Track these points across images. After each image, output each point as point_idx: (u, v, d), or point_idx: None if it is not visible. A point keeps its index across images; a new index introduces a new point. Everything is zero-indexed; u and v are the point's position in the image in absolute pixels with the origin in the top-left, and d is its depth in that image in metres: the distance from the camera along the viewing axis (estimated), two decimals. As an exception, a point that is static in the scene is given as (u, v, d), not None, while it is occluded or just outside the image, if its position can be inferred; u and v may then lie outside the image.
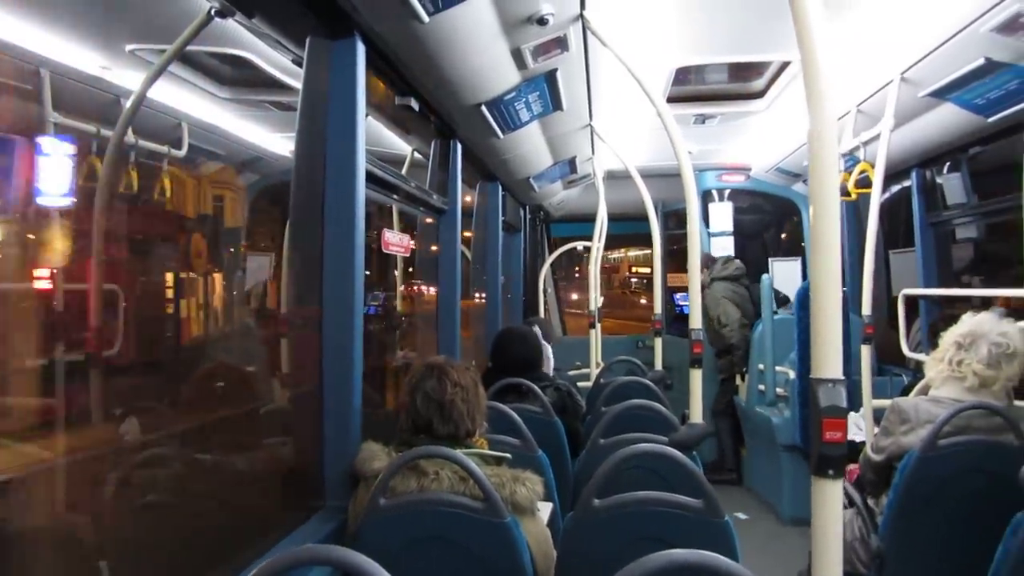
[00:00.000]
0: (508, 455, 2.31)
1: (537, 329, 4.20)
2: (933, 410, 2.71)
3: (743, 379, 6.07)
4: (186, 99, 3.99)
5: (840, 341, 1.45)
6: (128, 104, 3.31)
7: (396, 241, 3.20)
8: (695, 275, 3.29)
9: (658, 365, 4.97)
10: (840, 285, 1.48)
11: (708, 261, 6.43)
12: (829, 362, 1.44)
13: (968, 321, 2.79)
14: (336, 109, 2.29)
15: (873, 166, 4.00)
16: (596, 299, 6.68)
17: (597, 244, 6.40)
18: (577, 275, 11.71)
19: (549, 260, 7.96)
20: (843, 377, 1.44)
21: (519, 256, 6.98)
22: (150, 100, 3.58)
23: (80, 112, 3.49)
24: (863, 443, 3.76)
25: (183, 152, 4.44)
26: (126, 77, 3.39)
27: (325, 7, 2.19)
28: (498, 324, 5.08)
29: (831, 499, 1.45)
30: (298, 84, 2.39)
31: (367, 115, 2.52)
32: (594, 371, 6.22)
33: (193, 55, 3.51)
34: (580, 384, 5.33)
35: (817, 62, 1.49)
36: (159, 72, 2.95)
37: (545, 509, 2.54)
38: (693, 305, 3.31)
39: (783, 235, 7.56)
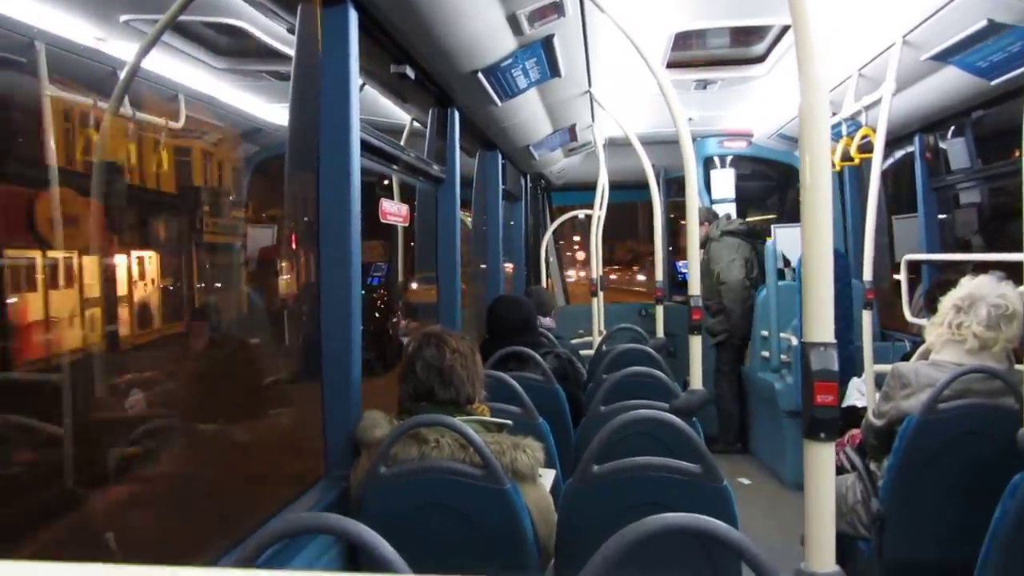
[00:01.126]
0: (509, 422, 2.32)
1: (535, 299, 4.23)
2: (933, 374, 2.71)
3: (746, 346, 6.05)
4: (182, 70, 3.96)
5: (831, 305, 1.44)
6: (123, 75, 3.28)
7: (394, 211, 3.19)
8: (693, 242, 3.28)
9: (660, 333, 4.97)
10: (830, 248, 1.47)
11: (710, 216, 6.31)
12: (821, 326, 1.43)
13: (967, 284, 2.78)
14: (329, 77, 2.27)
15: (875, 131, 3.96)
16: (598, 267, 6.66)
17: (599, 212, 6.38)
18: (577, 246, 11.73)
19: (551, 229, 7.94)
20: (834, 341, 1.43)
21: (520, 225, 6.95)
22: (146, 72, 3.56)
23: (76, 84, 3.47)
24: (865, 408, 3.77)
25: (180, 124, 4.42)
26: (122, 48, 3.37)
27: (315, -28, 2.16)
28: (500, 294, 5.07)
29: (823, 462, 1.45)
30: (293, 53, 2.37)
31: (363, 85, 2.50)
32: (596, 339, 6.23)
33: (187, 25, 3.47)
34: (583, 352, 5.33)
35: (808, 23, 1.47)
36: (152, 42, 2.92)
37: (548, 476, 2.55)
38: (692, 272, 3.31)
39: (786, 201, 7.51)
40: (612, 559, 1.23)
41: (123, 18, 3.04)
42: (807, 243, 1.47)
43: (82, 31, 3.18)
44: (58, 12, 2.97)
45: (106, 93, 3.57)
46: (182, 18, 2.83)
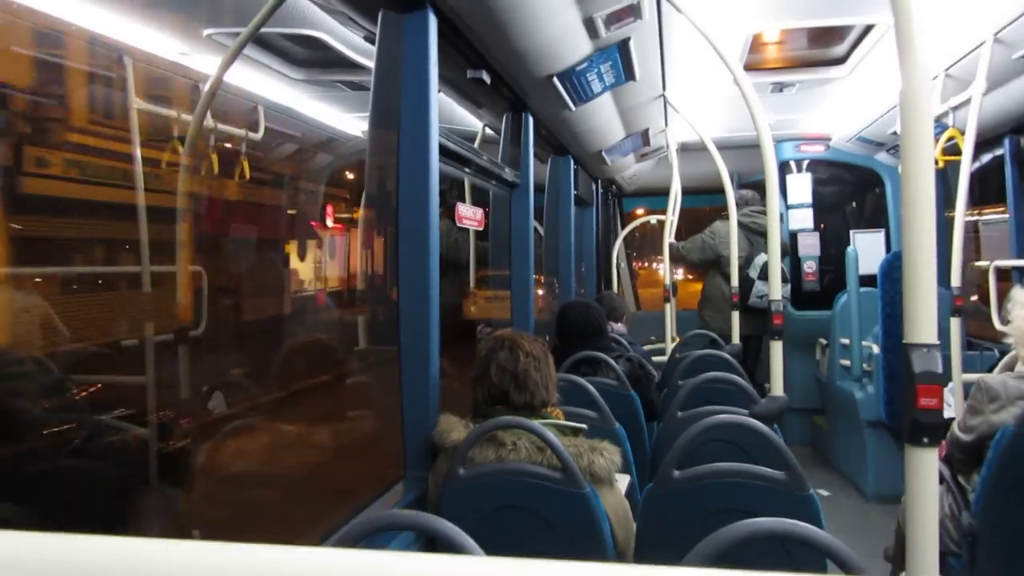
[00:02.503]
0: (584, 426, 2.30)
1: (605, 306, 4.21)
2: (1023, 387, 2.60)
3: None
4: (261, 82, 4.07)
5: (935, 306, 1.38)
6: (206, 88, 3.39)
7: (470, 215, 3.21)
8: (775, 247, 3.21)
9: (735, 339, 4.88)
10: (934, 247, 1.41)
11: (743, 199, 6.17)
12: (923, 326, 1.38)
13: None
14: (409, 82, 2.29)
15: (962, 133, 3.82)
16: (670, 273, 6.59)
17: (671, 218, 6.31)
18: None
19: (622, 235, 7.89)
20: (938, 342, 1.38)
21: (592, 231, 6.93)
22: (227, 84, 3.66)
23: (161, 98, 3.60)
24: (951, 419, 3.63)
25: (260, 135, 4.54)
26: (204, 62, 3.48)
27: (397, -21, 2.19)
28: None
29: (926, 469, 1.39)
30: (370, 63, 2.40)
31: (439, 91, 2.53)
32: (669, 345, 6.15)
33: (267, 37, 3.56)
34: (655, 359, 5.27)
35: (911, 17, 1.42)
36: (235, 55, 3.00)
37: (622, 481, 2.53)
38: (773, 276, 3.24)
39: (865, 207, 7.31)
40: (708, 559, 1.20)
41: (206, 32, 3.14)
42: (909, 243, 1.42)
43: (168, 46, 3.29)
44: (145, 28, 3.09)
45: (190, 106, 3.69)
46: (263, 31, 2.90)
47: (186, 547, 0.62)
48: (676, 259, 6.37)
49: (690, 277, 9.29)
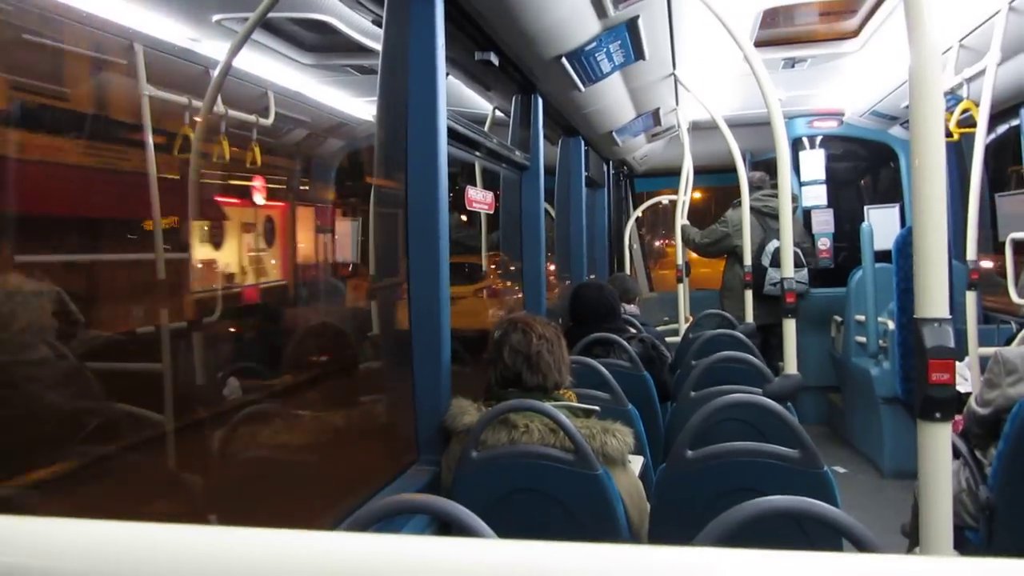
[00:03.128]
0: (597, 408, 2.31)
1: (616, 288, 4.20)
2: None
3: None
4: (271, 67, 4.07)
5: (946, 280, 1.38)
6: (215, 74, 3.39)
7: (480, 198, 3.20)
8: (787, 225, 3.19)
9: (748, 318, 4.86)
10: (944, 222, 1.40)
11: (759, 182, 6.07)
12: (934, 301, 1.37)
13: None
14: (417, 65, 2.29)
15: (977, 104, 3.78)
16: (682, 253, 6.57)
17: (683, 197, 6.28)
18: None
19: (634, 216, 7.86)
20: (949, 316, 1.37)
21: (603, 212, 6.91)
22: (237, 70, 3.66)
23: (172, 84, 3.60)
24: (968, 394, 3.62)
25: (270, 120, 4.54)
26: (214, 48, 3.48)
27: (402, -38, 2.18)
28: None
29: (939, 444, 1.39)
30: (378, 46, 2.39)
31: (448, 74, 2.52)
32: (683, 325, 6.14)
33: (276, 22, 3.56)
34: (668, 339, 5.27)
35: None
36: (243, 40, 3.00)
37: (636, 462, 2.53)
38: (785, 255, 3.22)
39: (879, 182, 7.24)
40: (722, 538, 1.20)
41: (215, 18, 3.14)
42: (920, 217, 1.41)
43: (177, 32, 3.29)
44: (154, 14, 3.09)
45: (200, 92, 3.70)
46: (271, 15, 2.89)
47: (199, 532, 0.62)
48: (692, 248, 6.31)
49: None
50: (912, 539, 3.18)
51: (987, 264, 5.20)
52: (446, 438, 2.30)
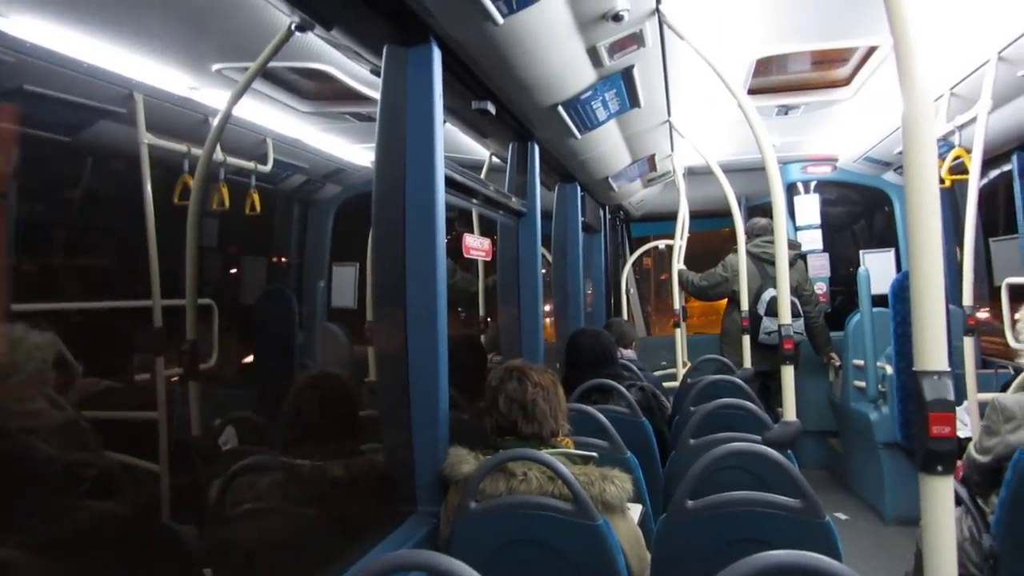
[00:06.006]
0: (595, 454, 2.29)
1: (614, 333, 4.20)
2: None
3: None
4: (270, 115, 4.11)
5: (944, 330, 1.37)
6: (215, 122, 3.42)
7: (476, 245, 3.21)
8: (783, 269, 3.20)
9: (747, 363, 4.85)
10: (941, 270, 1.40)
11: (753, 229, 6.09)
12: (933, 353, 1.36)
13: None
14: (415, 115, 2.31)
15: (968, 151, 3.82)
16: (680, 298, 6.57)
17: (679, 242, 6.30)
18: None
19: (631, 260, 7.88)
20: (948, 368, 1.36)
21: (600, 257, 6.92)
22: (236, 118, 3.69)
23: (171, 132, 3.63)
24: (968, 439, 3.59)
25: (268, 167, 4.57)
26: (213, 96, 3.51)
27: (401, 14, 2.20)
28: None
29: (941, 497, 1.37)
30: (376, 94, 2.42)
31: (445, 122, 2.54)
32: (680, 370, 6.12)
33: (275, 71, 3.60)
34: (666, 384, 5.25)
35: (910, 40, 1.42)
36: (243, 89, 3.03)
37: (634, 511, 2.50)
38: (781, 300, 3.22)
39: (874, 226, 7.29)
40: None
41: (215, 67, 3.17)
42: (916, 265, 1.41)
43: (177, 81, 3.33)
44: (154, 64, 3.12)
45: (199, 140, 3.72)
46: (271, 64, 2.93)
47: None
48: (691, 291, 6.32)
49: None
50: (916, 588, 3.14)
51: (983, 315, 5.20)
52: (444, 487, 2.27)
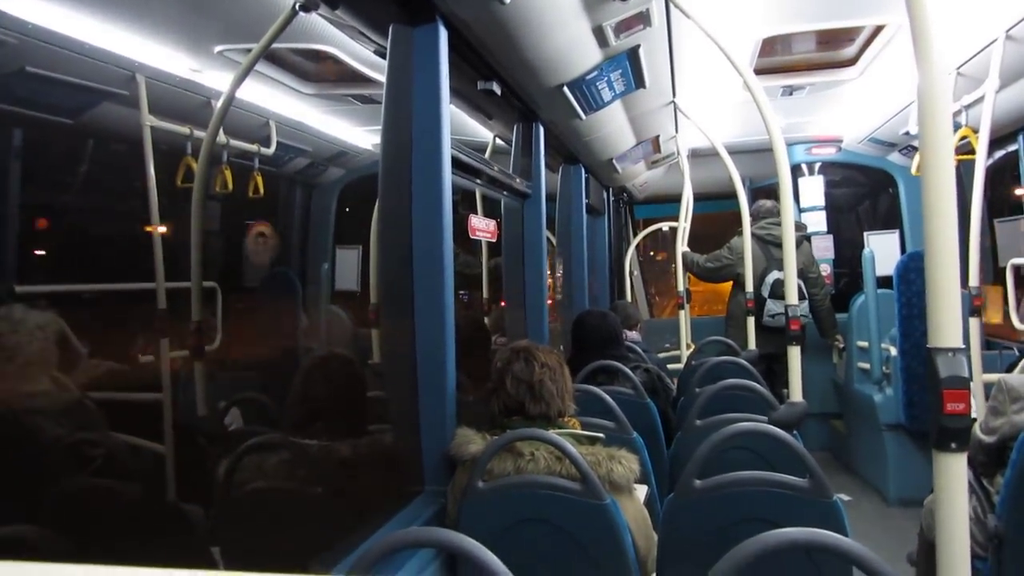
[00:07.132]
0: (601, 435, 2.29)
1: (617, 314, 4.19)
2: None
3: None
4: (273, 97, 4.09)
5: (959, 308, 1.37)
6: (218, 104, 3.40)
7: (483, 226, 3.20)
8: (790, 250, 3.19)
9: (751, 345, 4.85)
10: (956, 248, 1.40)
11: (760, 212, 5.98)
12: (948, 330, 1.36)
13: None
14: (421, 95, 2.29)
15: (975, 131, 3.80)
16: (683, 280, 6.56)
17: (683, 224, 6.29)
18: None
19: (634, 242, 7.87)
20: (963, 346, 1.36)
21: (604, 239, 6.91)
22: (239, 100, 3.68)
23: (174, 115, 3.62)
24: (974, 420, 3.59)
25: (271, 150, 4.56)
26: (216, 78, 3.50)
27: (407, -8, 2.19)
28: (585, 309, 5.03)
29: (955, 474, 1.37)
30: (380, 76, 2.41)
31: (450, 103, 2.52)
32: (684, 352, 6.12)
33: (278, 53, 3.58)
34: (670, 367, 5.25)
35: (927, 16, 1.41)
36: (247, 71, 3.01)
37: (640, 492, 2.51)
38: (788, 281, 3.22)
39: (878, 208, 7.26)
40: (737, 571, 1.19)
41: (217, 49, 3.16)
42: (931, 243, 1.40)
43: (179, 63, 3.31)
44: (157, 46, 3.10)
45: (202, 123, 3.71)
46: (274, 46, 2.91)
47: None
48: (696, 272, 6.28)
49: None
50: (919, 568, 3.15)
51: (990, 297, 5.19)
52: (451, 467, 2.28)
